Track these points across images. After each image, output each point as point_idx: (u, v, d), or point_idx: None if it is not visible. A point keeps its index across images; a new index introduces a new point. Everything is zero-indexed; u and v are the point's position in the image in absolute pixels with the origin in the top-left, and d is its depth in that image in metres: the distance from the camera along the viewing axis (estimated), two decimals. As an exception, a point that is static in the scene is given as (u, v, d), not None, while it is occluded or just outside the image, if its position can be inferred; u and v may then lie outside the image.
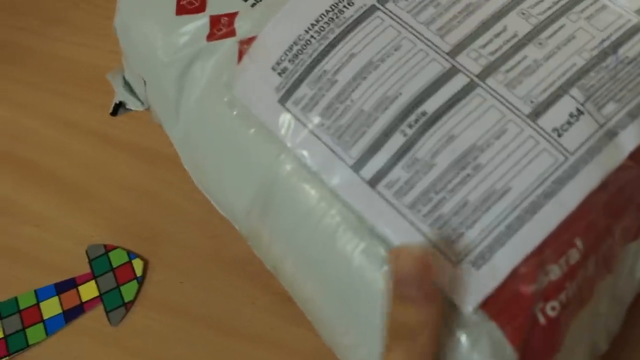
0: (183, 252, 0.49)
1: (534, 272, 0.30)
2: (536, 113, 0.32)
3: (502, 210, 0.31)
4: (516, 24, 0.34)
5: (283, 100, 0.35)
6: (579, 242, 0.31)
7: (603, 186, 0.32)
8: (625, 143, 0.32)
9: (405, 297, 0.30)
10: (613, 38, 0.34)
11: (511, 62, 0.33)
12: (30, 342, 0.47)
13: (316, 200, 0.34)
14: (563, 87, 0.33)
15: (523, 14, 0.35)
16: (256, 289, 0.46)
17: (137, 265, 0.49)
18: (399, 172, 0.32)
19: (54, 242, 0.51)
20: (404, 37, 0.35)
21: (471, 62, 0.34)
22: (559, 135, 0.32)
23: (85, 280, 0.49)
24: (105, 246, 0.50)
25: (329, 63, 0.35)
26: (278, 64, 0.36)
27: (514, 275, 0.31)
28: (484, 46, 0.34)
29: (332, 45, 0.35)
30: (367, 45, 0.35)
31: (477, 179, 0.31)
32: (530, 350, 0.30)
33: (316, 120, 0.34)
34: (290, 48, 0.36)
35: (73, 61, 0.60)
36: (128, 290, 0.48)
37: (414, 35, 0.35)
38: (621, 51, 0.34)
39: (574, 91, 0.33)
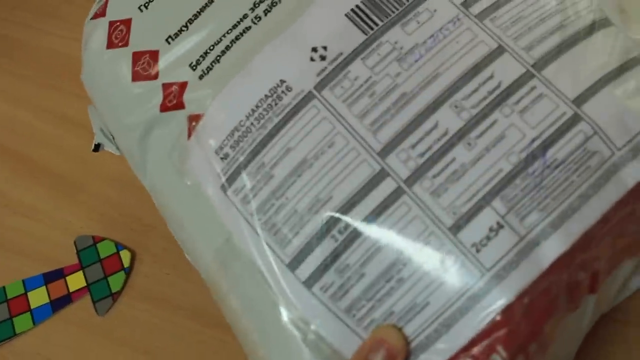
0: (170, 244, 0.51)
1: None
2: (457, 226, 0.33)
3: (422, 322, 0.33)
4: (448, 119, 0.34)
5: (224, 188, 0.37)
6: (500, 350, 0.33)
7: (522, 296, 0.33)
8: (547, 253, 0.33)
9: None
10: (545, 136, 0.33)
11: (439, 166, 0.34)
12: (17, 331, 0.50)
13: (261, 289, 0.37)
14: (486, 198, 0.33)
15: (456, 107, 0.34)
16: (242, 281, 0.48)
17: (125, 256, 0.52)
18: (332, 277, 0.34)
19: (44, 233, 0.54)
20: (337, 132, 0.35)
21: (400, 164, 0.34)
22: (477, 251, 0.33)
23: (73, 270, 0.52)
24: (93, 237, 0.53)
25: (267, 155, 0.36)
26: (221, 148, 0.37)
27: None
28: (413, 146, 0.34)
29: (270, 135, 0.36)
30: (303, 139, 0.36)
31: (400, 292, 0.33)
32: None
33: (254, 214, 0.36)
34: (232, 134, 0.37)
35: (67, 56, 0.61)
36: (115, 281, 0.51)
37: (347, 130, 0.35)
38: (550, 153, 0.33)
39: (497, 202, 0.33)
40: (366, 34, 0.36)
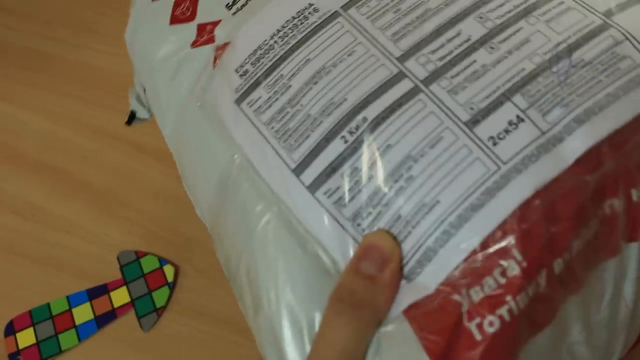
0: (214, 257, 0.49)
1: (462, 285, 0.29)
2: (474, 121, 0.31)
3: (430, 224, 0.30)
4: (471, 28, 0.33)
5: (239, 101, 0.36)
6: (516, 254, 0.29)
7: (542, 195, 0.30)
8: (571, 150, 0.30)
9: (362, 271, 0.30)
10: (571, 41, 0.32)
11: (458, 68, 0.32)
12: (62, 348, 0.49)
13: (259, 199, 0.34)
14: (506, 94, 0.31)
15: (481, 18, 0.33)
16: (288, 293, 0.46)
17: (169, 271, 0.50)
18: (338, 181, 0.32)
19: (85, 249, 0.53)
20: (359, 42, 0.34)
21: (419, 67, 0.33)
22: (494, 144, 0.30)
23: (116, 286, 0.51)
24: (136, 252, 0.52)
25: (286, 68, 0.35)
26: (241, 66, 0.37)
27: (444, 287, 0.30)
28: (434, 51, 0.33)
29: (292, 50, 0.36)
30: (323, 50, 0.35)
31: (408, 192, 0.31)
32: None
33: (267, 122, 0.35)
34: (254, 52, 0.37)
35: (104, 70, 0.62)
36: (159, 296, 0.49)
37: (369, 40, 0.34)
38: (576, 54, 0.32)
39: (517, 98, 0.31)
40: (393, -36, 0.36)
